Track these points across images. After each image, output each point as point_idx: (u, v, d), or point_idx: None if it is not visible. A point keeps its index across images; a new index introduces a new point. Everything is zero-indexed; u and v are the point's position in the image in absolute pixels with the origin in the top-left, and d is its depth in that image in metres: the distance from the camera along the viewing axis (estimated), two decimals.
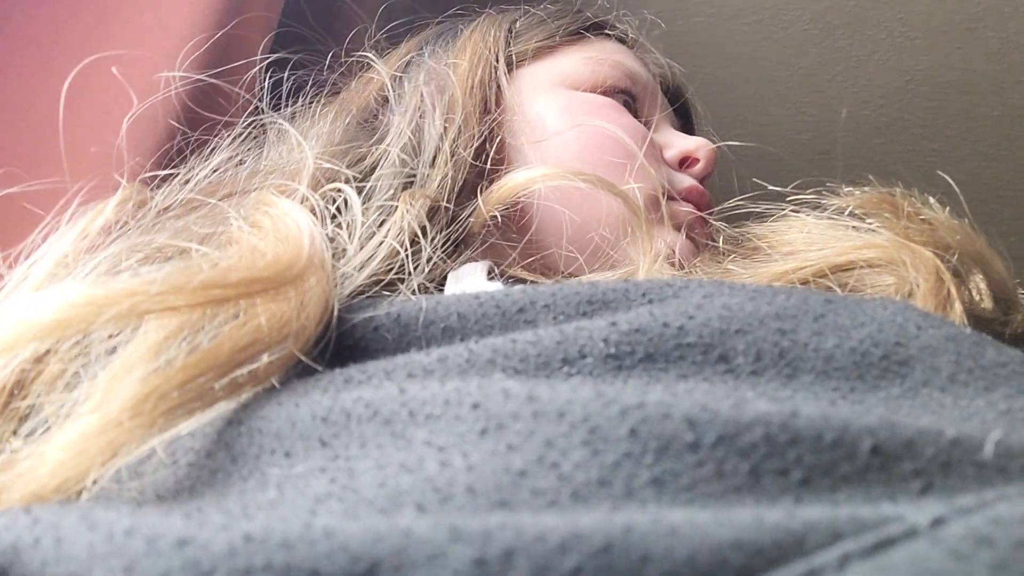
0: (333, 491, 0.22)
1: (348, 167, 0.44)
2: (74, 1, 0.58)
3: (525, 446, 0.22)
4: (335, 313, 0.32)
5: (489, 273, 0.41)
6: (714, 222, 0.51)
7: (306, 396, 0.27)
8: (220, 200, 0.40)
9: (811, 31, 0.91)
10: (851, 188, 0.45)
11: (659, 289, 0.31)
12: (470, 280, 0.40)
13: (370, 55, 0.56)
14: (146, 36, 0.57)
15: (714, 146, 0.54)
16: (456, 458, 0.22)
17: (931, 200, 0.44)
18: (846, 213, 0.44)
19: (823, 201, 0.47)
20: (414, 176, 0.46)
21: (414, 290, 0.38)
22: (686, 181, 0.53)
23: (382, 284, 0.38)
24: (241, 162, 0.47)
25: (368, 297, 0.37)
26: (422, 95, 0.50)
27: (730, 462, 0.21)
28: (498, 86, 0.52)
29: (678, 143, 0.54)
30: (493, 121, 0.50)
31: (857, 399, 0.26)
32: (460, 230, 0.45)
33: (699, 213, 0.51)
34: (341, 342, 0.31)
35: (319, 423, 0.25)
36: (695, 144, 0.54)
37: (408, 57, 0.57)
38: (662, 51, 0.61)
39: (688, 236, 0.50)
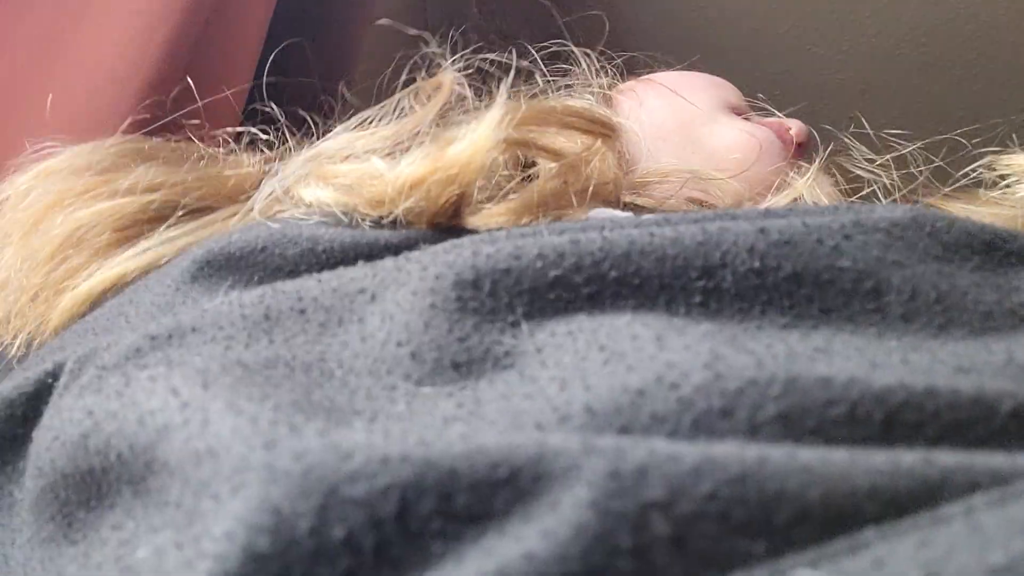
0: (459, 414, 0.23)
1: None
2: None
3: (644, 367, 0.22)
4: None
5: None
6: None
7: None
8: None
9: None
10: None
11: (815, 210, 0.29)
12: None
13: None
14: (117, 14, 0.54)
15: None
16: (576, 381, 0.22)
17: None
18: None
19: (983, 173, 0.42)
20: None
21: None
22: None
23: None
24: None
25: None
26: None
27: (863, 406, 0.20)
28: None
29: None
30: None
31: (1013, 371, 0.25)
32: None
33: None
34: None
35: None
36: None
37: None
38: None
39: None
